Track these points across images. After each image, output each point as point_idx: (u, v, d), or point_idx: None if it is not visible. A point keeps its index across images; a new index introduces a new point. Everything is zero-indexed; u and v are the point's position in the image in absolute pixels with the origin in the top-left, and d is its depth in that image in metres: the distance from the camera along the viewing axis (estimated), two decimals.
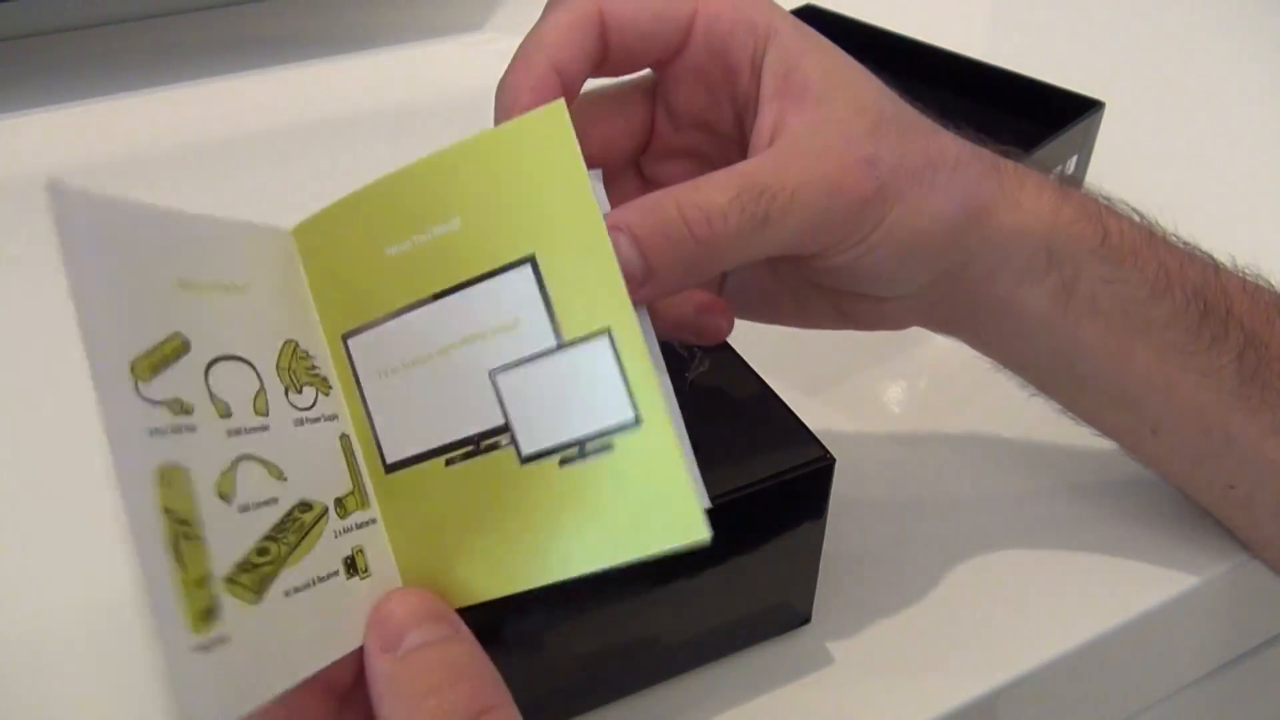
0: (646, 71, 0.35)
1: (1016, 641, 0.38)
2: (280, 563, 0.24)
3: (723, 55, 0.33)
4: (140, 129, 0.68)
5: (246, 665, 0.22)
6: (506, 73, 0.31)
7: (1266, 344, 0.37)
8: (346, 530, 0.26)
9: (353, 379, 0.27)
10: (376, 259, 0.27)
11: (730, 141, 0.35)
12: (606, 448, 0.25)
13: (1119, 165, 0.59)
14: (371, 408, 0.27)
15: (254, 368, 0.25)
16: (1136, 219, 0.37)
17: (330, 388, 0.27)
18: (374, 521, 0.27)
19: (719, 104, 0.34)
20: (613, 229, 0.27)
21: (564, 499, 0.25)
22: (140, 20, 0.78)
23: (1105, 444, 0.44)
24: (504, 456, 0.26)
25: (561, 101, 0.26)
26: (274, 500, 0.24)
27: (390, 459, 0.27)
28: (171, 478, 0.22)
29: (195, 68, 0.73)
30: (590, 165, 0.26)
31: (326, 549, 0.25)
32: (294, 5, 0.80)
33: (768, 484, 0.33)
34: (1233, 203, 0.62)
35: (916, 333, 0.52)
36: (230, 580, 0.22)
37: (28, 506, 0.43)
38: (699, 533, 0.24)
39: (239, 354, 0.25)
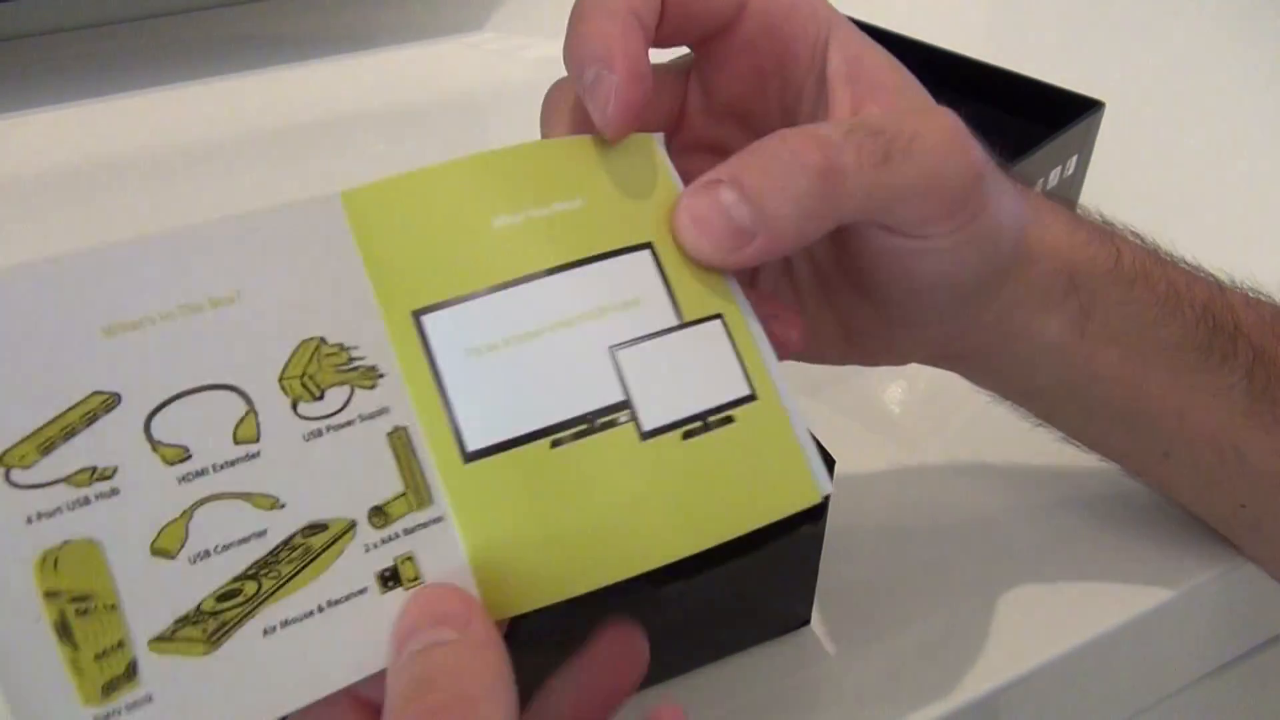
0: (683, 54, 0.33)
1: (1016, 641, 0.38)
2: (260, 600, 0.23)
3: (779, 36, 0.31)
4: (140, 129, 0.68)
5: (186, 715, 0.22)
6: (582, 22, 0.28)
7: (1274, 359, 0.36)
8: (388, 540, 0.24)
9: (425, 361, 0.25)
10: (476, 230, 0.26)
11: (768, 134, 0.34)
12: (728, 420, 0.26)
13: (1119, 165, 0.59)
14: (450, 391, 0.25)
15: (238, 391, 0.24)
16: (1139, 239, 0.37)
17: (379, 378, 0.25)
18: (438, 520, 0.25)
19: (764, 90, 0.32)
20: (712, 182, 0.27)
21: (688, 472, 0.26)
22: (140, 20, 0.78)
23: None
24: (622, 433, 0.25)
25: (651, 136, 0.28)
26: (259, 534, 0.23)
27: (472, 446, 0.25)
28: (64, 556, 0.22)
29: (195, 68, 0.73)
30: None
31: (350, 567, 0.24)
32: (294, 5, 0.80)
33: None
34: (1233, 203, 0.62)
35: None
36: (163, 639, 0.22)
37: None
38: (814, 495, 0.26)
39: (213, 381, 0.23)
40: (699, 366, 0.26)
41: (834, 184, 0.27)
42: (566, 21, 0.29)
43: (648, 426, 0.26)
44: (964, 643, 0.38)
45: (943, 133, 0.29)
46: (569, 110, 0.29)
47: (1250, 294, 0.38)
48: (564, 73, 0.31)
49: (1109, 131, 0.57)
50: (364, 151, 0.67)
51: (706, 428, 0.26)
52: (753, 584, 0.36)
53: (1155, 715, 0.46)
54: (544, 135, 0.30)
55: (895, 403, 0.49)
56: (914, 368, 0.46)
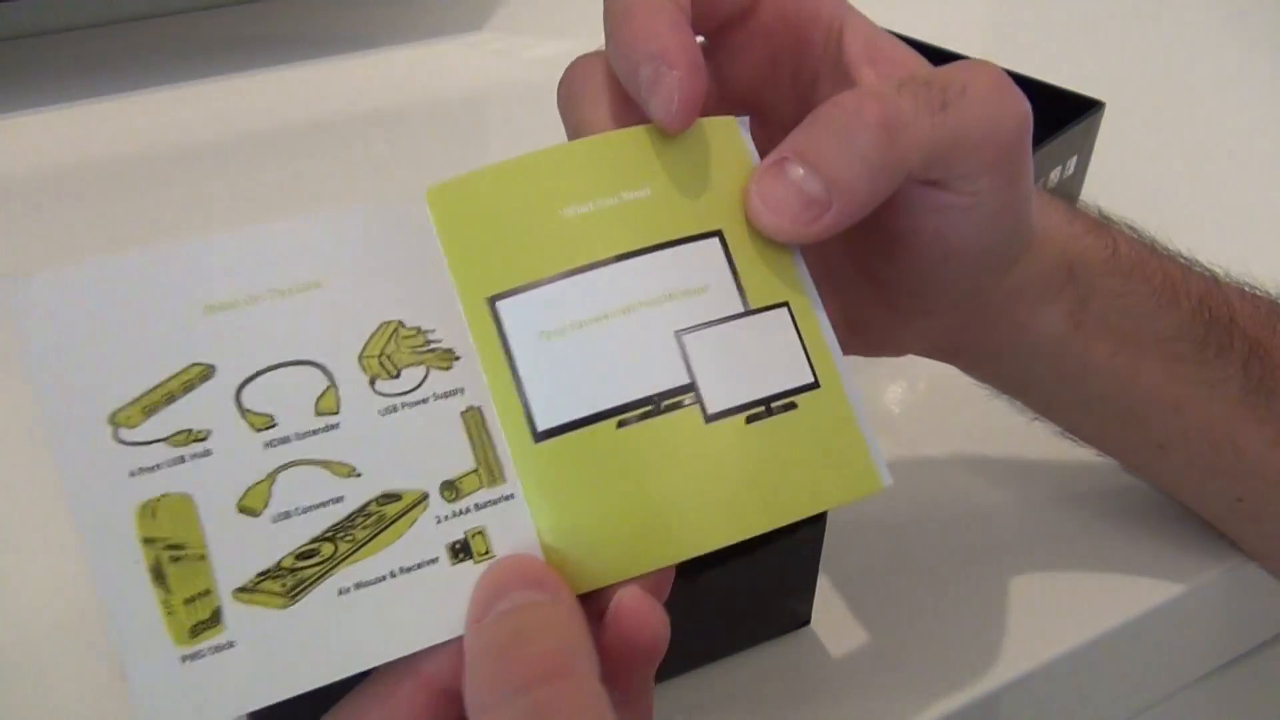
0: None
1: (1016, 641, 0.38)
2: (336, 561, 0.24)
3: (794, 24, 0.31)
4: (140, 129, 0.68)
5: (266, 663, 0.23)
6: (628, 19, 0.28)
7: (1269, 352, 0.36)
8: (459, 514, 0.25)
9: (499, 344, 0.26)
10: (548, 220, 0.27)
11: (781, 123, 0.33)
12: (791, 406, 0.27)
13: (1119, 165, 0.59)
14: (522, 373, 0.26)
15: (321, 367, 0.25)
16: (1134, 232, 0.37)
17: (455, 360, 0.26)
18: (509, 498, 0.26)
19: (779, 77, 0.32)
20: (778, 161, 0.27)
21: (750, 455, 0.26)
22: (140, 20, 0.78)
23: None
24: (687, 415, 0.26)
25: (734, 120, 0.29)
26: (337, 499, 0.25)
27: (542, 426, 0.26)
28: (161, 508, 0.24)
29: (195, 68, 0.73)
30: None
31: (422, 537, 0.25)
32: (294, 5, 0.80)
33: None
34: (1233, 203, 0.62)
35: None
36: (246, 590, 0.24)
37: (23, 509, 0.43)
38: (876, 484, 0.27)
39: (298, 357, 0.25)
40: (763, 353, 0.27)
41: (896, 135, 0.27)
42: (572, 19, 0.29)
43: (712, 410, 0.26)
44: (964, 642, 0.38)
45: (991, 81, 0.29)
46: (605, 89, 0.29)
47: (1246, 288, 0.38)
48: (563, 73, 0.31)
49: (1109, 131, 0.57)
50: (364, 151, 0.67)
51: (769, 413, 0.26)
52: (753, 584, 0.36)
53: (1154, 716, 0.46)
54: (579, 117, 0.30)
55: (895, 403, 0.49)
56: (914, 368, 0.45)
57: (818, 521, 0.36)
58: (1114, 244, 0.35)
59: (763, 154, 0.29)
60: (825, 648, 0.38)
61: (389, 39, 0.77)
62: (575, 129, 0.30)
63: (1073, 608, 0.40)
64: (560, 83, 0.31)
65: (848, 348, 0.35)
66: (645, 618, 0.25)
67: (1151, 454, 0.38)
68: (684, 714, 0.36)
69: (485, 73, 0.74)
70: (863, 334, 0.35)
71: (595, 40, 0.32)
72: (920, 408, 0.48)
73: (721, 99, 0.33)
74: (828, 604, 0.39)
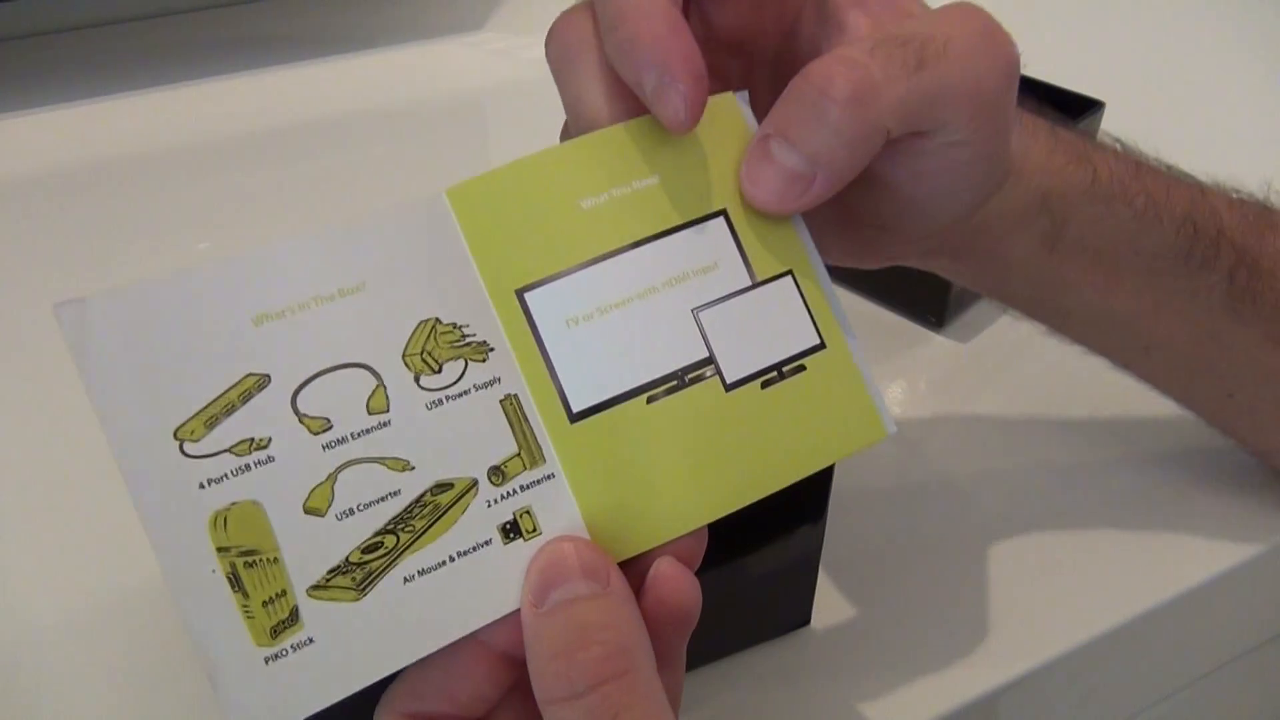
0: None
1: (1017, 641, 0.38)
2: (398, 552, 0.26)
3: None
4: (140, 129, 0.68)
5: (345, 655, 0.25)
6: (624, 22, 0.28)
7: (1256, 259, 0.37)
8: (507, 496, 0.27)
9: (530, 334, 0.28)
10: (566, 212, 0.28)
11: (766, 61, 0.33)
12: (800, 369, 0.29)
13: None
14: (554, 359, 0.28)
15: (368, 368, 0.26)
16: (1120, 150, 0.37)
17: (489, 351, 0.28)
18: (551, 477, 0.27)
19: (761, 19, 0.33)
20: (762, 139, 0.28)
21: (768, 417, 0.28)
22: (140, 20, 0.78)
23: (1106, 448, 0.44)
24: (709, 386, 0.28)
25: (733, 95, 0.30)
26: (394, 493, 0.26)
27: (577, 407, 0.28)
28: (231, 517, 0.25)
29: (195, 68, 0.73)
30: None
31: (474, 521, 0.26)
32: (294, 5, 0.80)
33: None
34: None
35: (917, 332, 0.52)
36: (319, 587, 0.25)
37: (28, 509, 0.43)
38: (881, 432, 0.29)
39: (346, 360, 0.26)
40: (773, 320, 0.29)
41: (867, 104, 0.27)
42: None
43: (731, 379, 0.28)
44: (964, 642, 0.38)
45: (977, 32, 0.29)
46: (598, 65, 0.29)
47: (1234, 194, 0.38)
48: (550, 29, 0.31)
49: (1109, 131, 0.56)
50: (364, 151, 0.68)
51: (782, 376, 0.29)
52: (753, 583, 0.36)
53: (1154, 715, 0.46)
54: (575, 94, 0.30)
55: (895, 403, 0.49)
56: (914, 367, 0.46)
57: (818, 520, 0.36)
58: (1094, 172, 0.35)
59: (753, 92, 0.31)
60: (826, 646, 0.38)
61: (389, 39, 0.77)
62: (571, 105, 0.30)
63: (1072, 609, 0.40)
64: (548, 40, 0.31)
65: (828, 256, 0.35)
66: (680, 583, 0.27)
67: (1137, 355, 0.39)
68: (684, 713, 0.36)
69: (485, 73, 0.74)
70: (837, 247, 0.35)
71: None
72: (920, 407, 0.48)
73: (705, 41, 0.33)
74: (828, 602, 0.39)
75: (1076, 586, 0.40)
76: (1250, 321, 0.37)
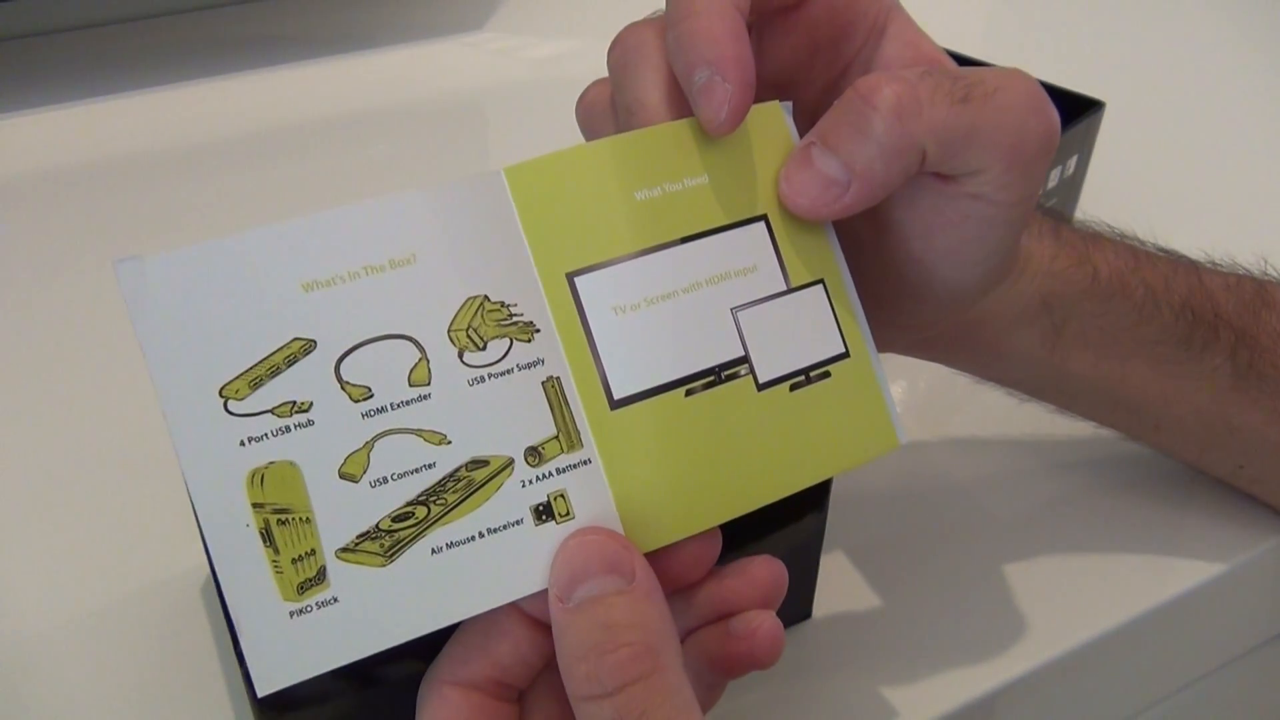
0: None
1: (1019, 638, 0.38)
2: (429, 523, 0.26)
3: (842, 17, 0.32)
4: (140, 129, 0.68)
5: (367, 617, 0.25)
6: (691, 17, 0.28)
7: (1255, 338, 0.37)
8: (543, 478, 0.27)
9: (577, 318, 0.28)
10: (621, 203, 0.29)
11: (805, 107, 0.34)
12: (826, 375, 0.30)
13: (1119, 165, 0.59)
14: (599, 345, 0.28)
15: (413, 340, 0.27)
16: (1118, 241, 0.37)
17: (535, 332, 0.28)
18: (587, 462, 0.28)
19: (812, 65, 0.33)
20: (805, 145, 0.29)
21: (793, 419, 0.29)
22: (140, 20, 0.78)
23: (1105, 447, 0.44)
24: (743, 384, 0.29)
25: (778, 104, 0.30)
26: (429, 465, 0.26)
27: (619, 394, 0.28)
28: (269, 475, 0.25)
29: (195, 68, 0.73)
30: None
31: (508, 500, 0.27)
32: (294, 5, 0.80)
33: None
34: (1233, 202, 0.62)
35: None
36: (348, 550, 0.26)
37: (30, 506, 0.43)
38: (894, 442, 0.30)
39: (392, 331, 0.27)
40: (804, 326, 0.30)
41: (909, 118, 0.28)
42: (572, 19, 0.29)
43: (763, 379, 0.29)
44: (965, 640, 0.38)
45: (1025, 92, 0.29)
46: (660, 70, 0.30)
47: (1230, 277, 0.38)
48: (564, 72, 0.31)
49: (1109, 131, 0.57)
50: (364, 151, 0.68)
51: (808, 381, 0.30)
52: None
53: (1154, 715, 0.46)
54: (633, 95, 0.30)
55: (896, 403, 0.48)
56: (914, 366, 0.46)
57: (819, 515, 0.36)
58: (1094, 271, 0.35)
59: None
60: (826, 642, 0.38)
61: (389, 39, 0.77)
62: (628, 107, 0.30)
63: (1073, 608, 0.40)
64: (612, 46, 0.31)
65: None
66: (776, 641, 0.28)
67: (1147, 432, 0.40)
68: None
69: (485, 73, 0.74)
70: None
71: (596, 40, 0.32)
72: (920, 408, 0.48)
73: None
74: (829, 598, 0.39)
75: (1076, 586, 0.40)
76: (1258, 399, 0.37)
